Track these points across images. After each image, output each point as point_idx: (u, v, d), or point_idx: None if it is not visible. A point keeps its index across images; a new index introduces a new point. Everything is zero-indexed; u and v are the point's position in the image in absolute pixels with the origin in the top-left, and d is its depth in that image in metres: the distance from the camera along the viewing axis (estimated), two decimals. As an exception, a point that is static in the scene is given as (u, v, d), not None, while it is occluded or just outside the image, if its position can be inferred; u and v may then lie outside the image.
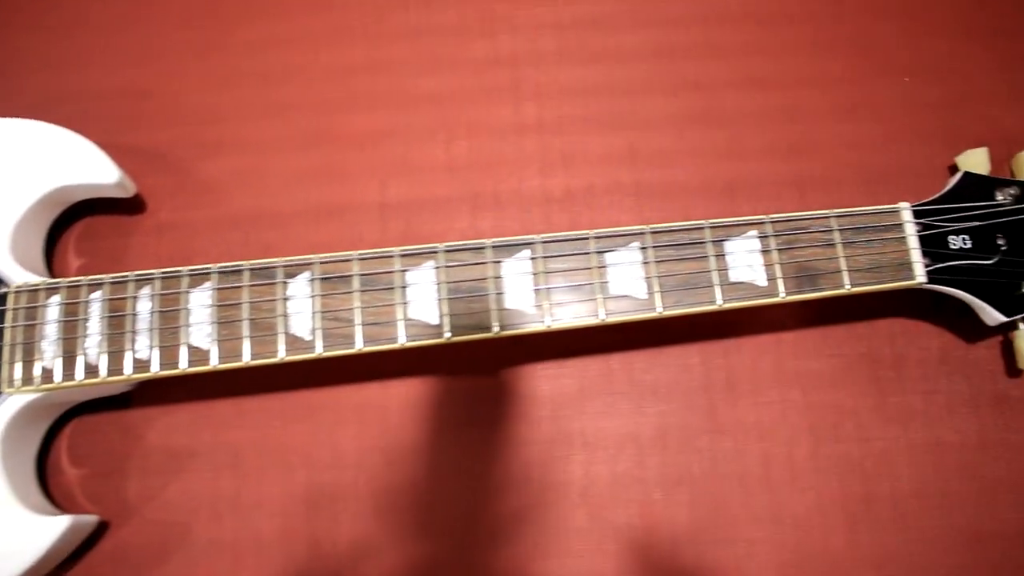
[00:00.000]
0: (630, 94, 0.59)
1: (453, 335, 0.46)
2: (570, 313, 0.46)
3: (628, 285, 0.46)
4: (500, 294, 0.46)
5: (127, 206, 0.57)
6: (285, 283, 0.47)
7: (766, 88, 0.59)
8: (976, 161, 0.51)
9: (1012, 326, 0.49)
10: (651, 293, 0.46)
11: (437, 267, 0.47)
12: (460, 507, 0.51)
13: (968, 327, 0.53)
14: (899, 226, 0.48)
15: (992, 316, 0.48)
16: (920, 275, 0.47)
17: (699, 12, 0.60)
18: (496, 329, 0.46)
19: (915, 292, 0.48)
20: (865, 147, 0.57)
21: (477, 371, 0.54)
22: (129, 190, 0.54)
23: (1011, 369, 0.53)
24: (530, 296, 0.46)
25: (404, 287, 0.46)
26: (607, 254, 0.47)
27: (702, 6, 0.60)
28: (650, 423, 0.53)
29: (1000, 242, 0.48)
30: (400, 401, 0.53)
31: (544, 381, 0.54)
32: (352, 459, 0.52)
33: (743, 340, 0.54)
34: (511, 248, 0.47)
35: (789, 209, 0.48)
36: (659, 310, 0.46)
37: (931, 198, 0.49)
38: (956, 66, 0.59)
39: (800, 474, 0.52)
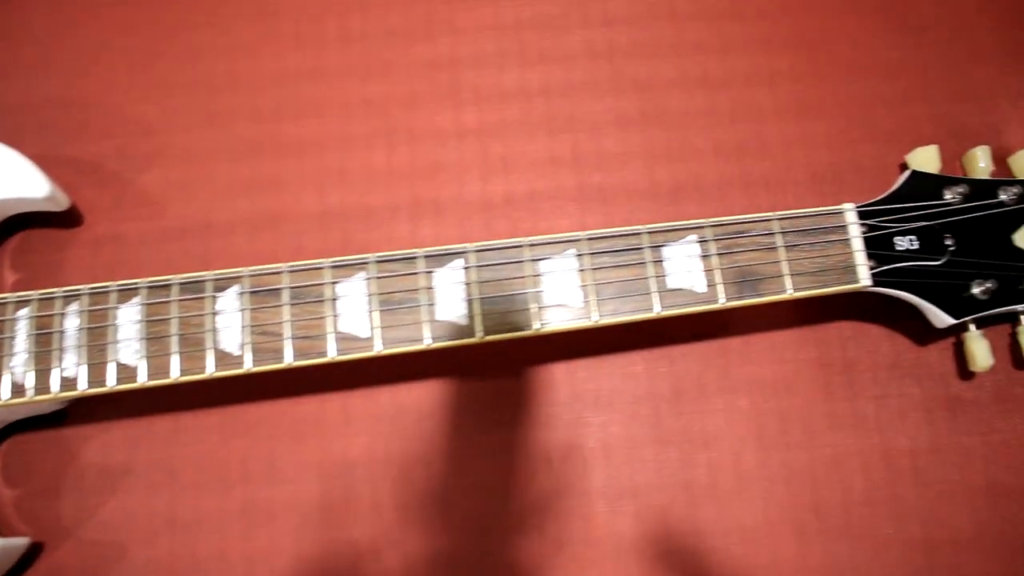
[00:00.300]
0: (572, 96, 0.57)
1: (384, 348, 0.45)
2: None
3: (564, 294, 0.45)
4: (432, 305, 0.45)
5: (64, 219, 0.55)
6: (215, 297, 0.46)
7: (713, 87, 0.57)
8: (925, 159, 0.50)
9: (963, 328, 0.48)
10: (587, 301, 0.45)
11: (368, 278, 0.46)
12: (408, 521, 0.50)
13: (920, 330, 0.52)
14: (843, 228, 0.47)
15: (940, 318, 0.47)
16: (864, 278, 0.46)
17: (643, 11, 0.59)
18: (428, 341, 0.45)
19: (864, 295, 0.47)
20: (815, 146, 0.56)
21: (416, 383, 0.53)
22: (62, 203, 0.53)
23: (963, 372, 0.52)
24: (463, 307, 0.45)
25: (334, 299, 0.45)
26: (542, 262, 0.46)
27: (646, 5, 0.59)
28: (592, 434, 0.51)
29: (948, 242, 0.47)
30: (337, 415, 0.52)
31: (484, 393, 0.53)
32: (290, 474, 0.51)
33: (689, 347, 0.53)
34: (443, 257, 0.46)
35: (737, 211, 0.47)
36: (595, 319, 0.45)
37: (877, 198, 0.48)
38: (907, 63, 0.58)
39: (748, 483, 0.50)
